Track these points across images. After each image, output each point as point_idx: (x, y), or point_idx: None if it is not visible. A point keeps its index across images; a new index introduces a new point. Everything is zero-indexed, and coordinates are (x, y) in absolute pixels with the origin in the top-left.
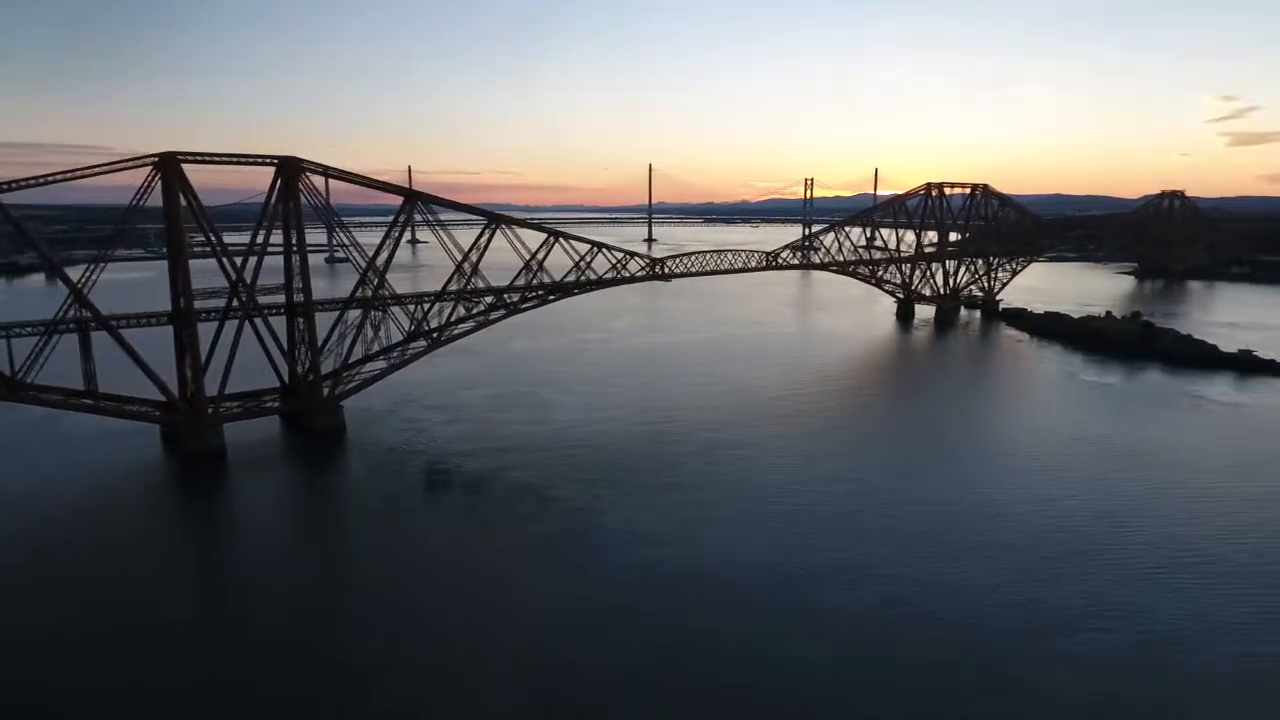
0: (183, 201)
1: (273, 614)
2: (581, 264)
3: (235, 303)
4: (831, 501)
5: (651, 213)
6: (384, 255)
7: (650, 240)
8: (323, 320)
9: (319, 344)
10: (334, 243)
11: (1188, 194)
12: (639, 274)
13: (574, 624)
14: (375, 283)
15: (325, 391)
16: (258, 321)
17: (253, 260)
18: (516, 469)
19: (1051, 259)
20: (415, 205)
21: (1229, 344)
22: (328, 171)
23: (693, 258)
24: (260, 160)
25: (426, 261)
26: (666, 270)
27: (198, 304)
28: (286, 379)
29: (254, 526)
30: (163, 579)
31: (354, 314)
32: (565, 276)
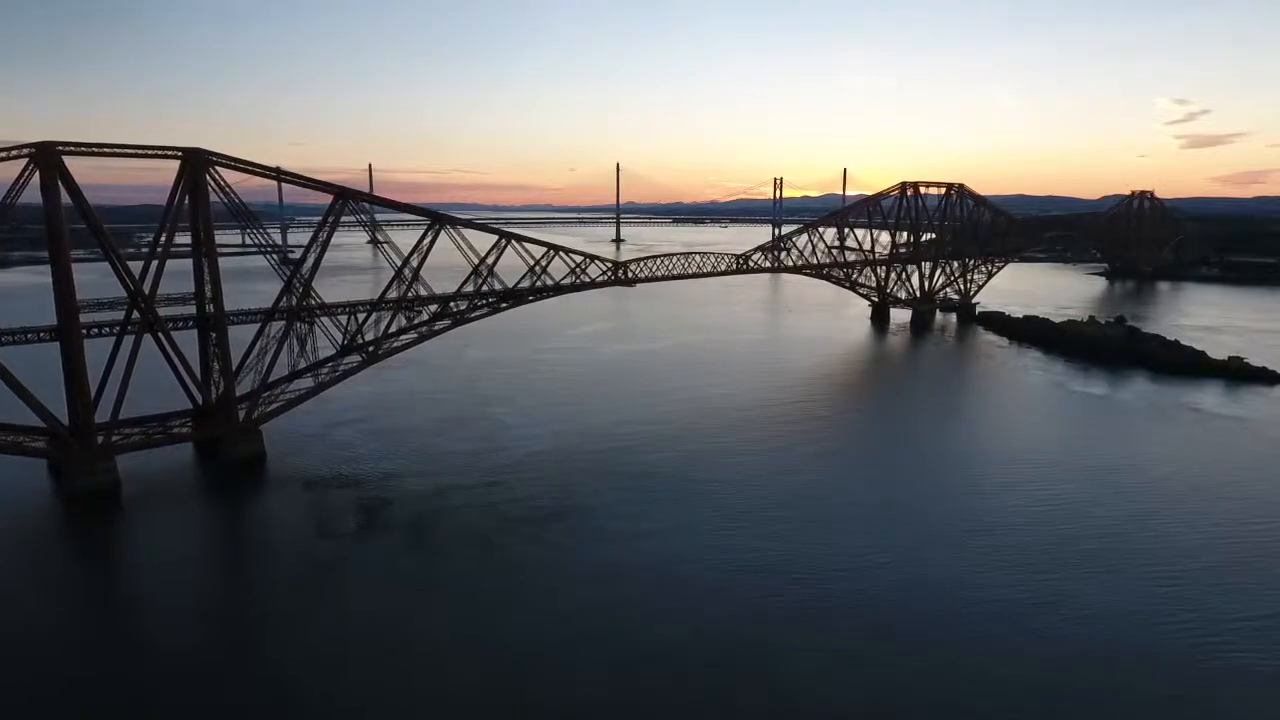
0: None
1: (150, 697)
2: (537, 268)
3: (137, 314)
4: (809, 553)
5: (619, 213)
6: (311, 259)
7: (618, 240)
8: (245, 333)
9: (238, 360)
10: (286, 244)
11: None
12: (600, 279)
13: (512, 707)
14: (300, 290)
15: (241, 415)
16: (164, 336)
17: (175, 266)
18: (459, 507)
19: (1021, 260)
20: (346, 204)
21: (1210, 348)
22: (239, 165)
23: (659, 261)
24: (161, 152)
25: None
26: (630, 274)
27: (94, 316)
28: (201, 401)
29: (134, 583)
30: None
31: (278, 326)
32: (519, 282)
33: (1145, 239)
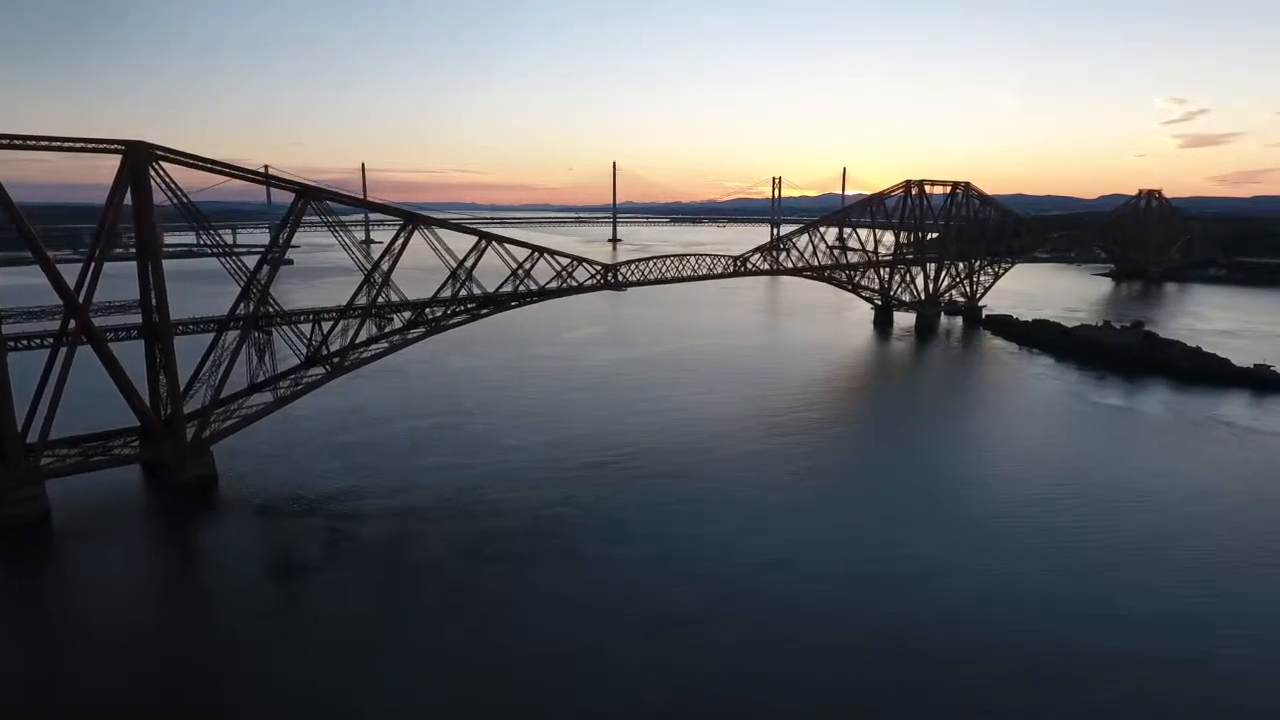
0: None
1: None
2: (519, 271)
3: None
4: (802, 590)
5: (616, 212)
6: (268, 264)
7: (615, 240)
8: (203, 344)
9: (191, 374)
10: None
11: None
12: (589, 283)
13: None
14: (257, 297)
15: (191, 433)
16: (101, 348)
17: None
18: (430, 537)
19: (1025, 260)
20: (308, 203)
21: (1231, 354)
22: (184, 159)
23: (651, 263)
24: (98, 146)
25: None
26: (621, 278)
27: (25, 327)
28: (149, 418)
29: (52, 629)
30: None
31: (237, 337)
32: (501, 286)
33: (1153, 239)
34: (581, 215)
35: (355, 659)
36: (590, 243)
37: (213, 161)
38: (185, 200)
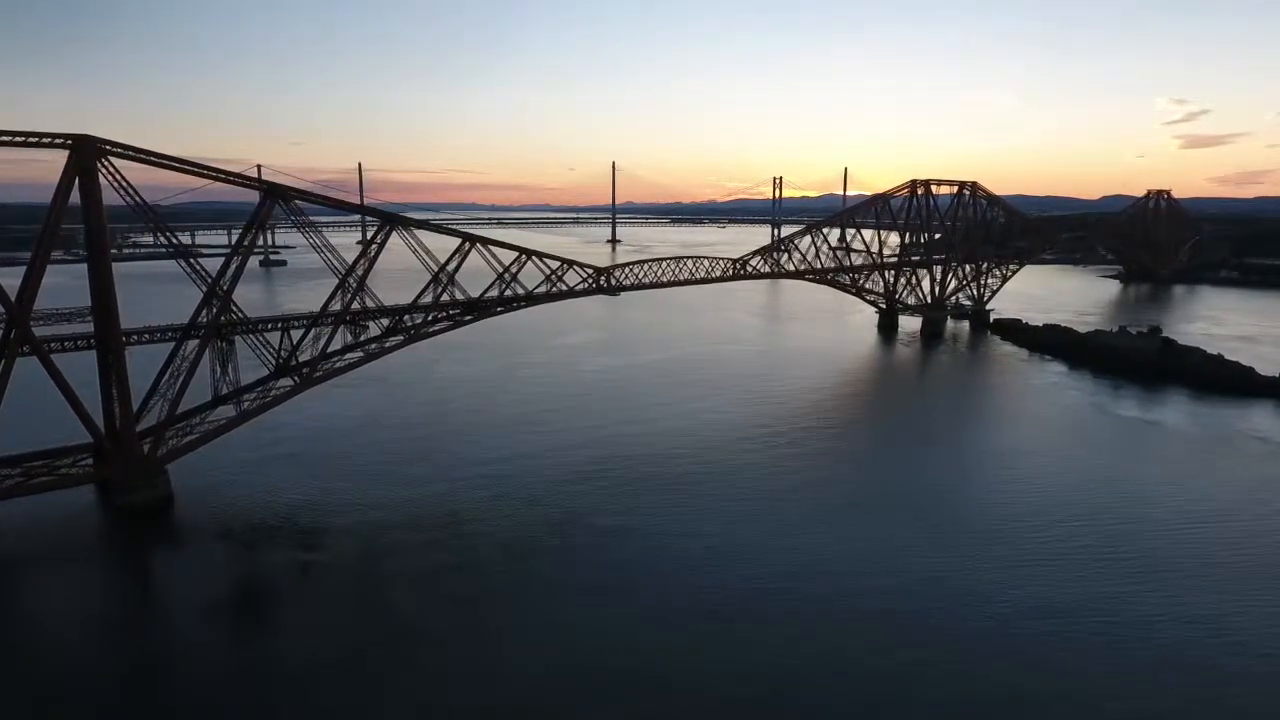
0: None
1: None
2: (506, 275)
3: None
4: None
5: (615, 212)
6: (233, 267)
7: (614, 241)
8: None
9: (149, 386)
10: (269, 244)
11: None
12: (579, 287)
13: None
14: (218, 304)
15: (146, 451)
16: (42, 358)
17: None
18: (407, 564)
19: (1031, 262)
20: (275, 203)
21: (1254, 361)
22: (135, 154)
23: (646, 266)
24: (42, 140)
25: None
26: (614, 281)
27: None
28: (104, 433)
29: None
30: None
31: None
32: (486, 291)
33: (1162, 240)
34: (581, 216)
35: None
36: (590, 243)
37: (165, 156)
38: (139, 199)
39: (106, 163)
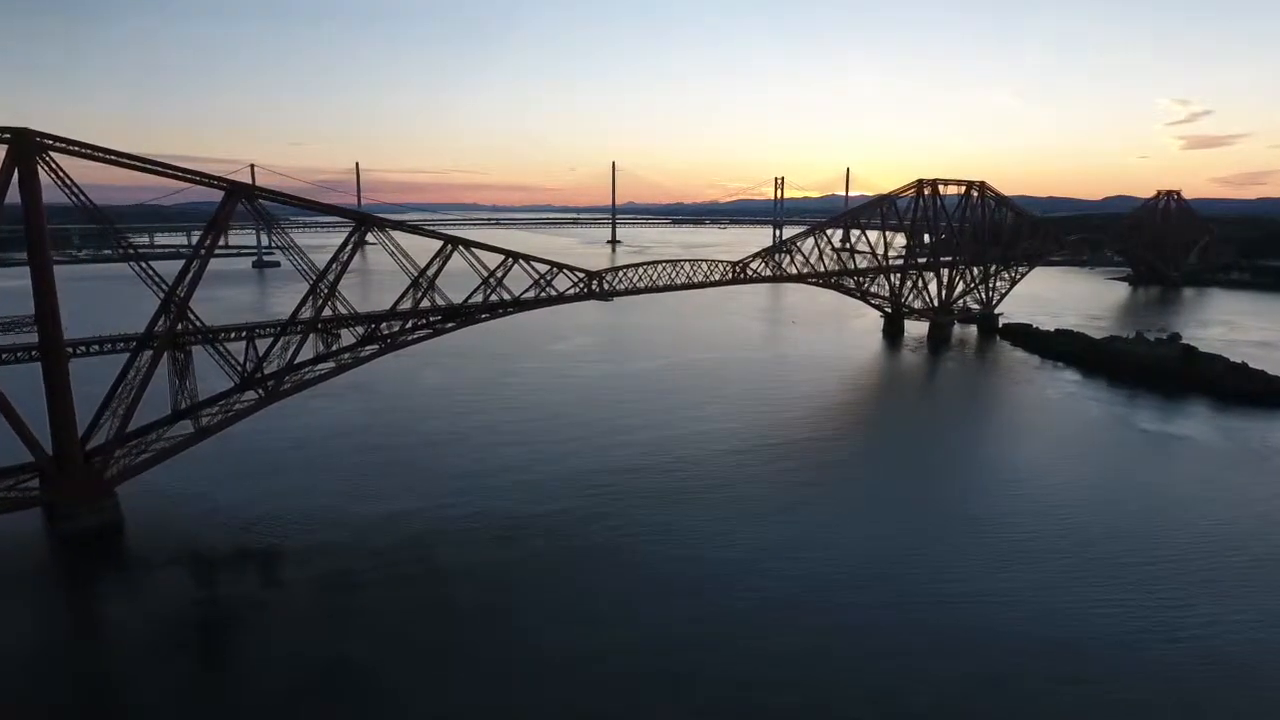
0: None
1: None
2: (491, 280)
3: None
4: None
5: (616, 213)
6: (191, 272)
7: (614, 242)
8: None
9: (101, 401)
10: (264, 245)
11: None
12: (570, 292)
13: None
14: (174, 311)
15: (94, 471)
16: None
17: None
18: (361, 601)
19: (1038, 264)
20: (237, 202)
21: (1277, 368)
22: (79, 149)
23: (641, 270)
24: None
25: (376, 267)
26: (607, 286)
27: None
28: (50, 453)
29: None
30: None
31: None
32: (470, 296)
33: (1172, 242)
34: (581, 217)
35: None
36: (591, 244)
37: (111, 152)
38: (84, 198)
39: (48, 158)
